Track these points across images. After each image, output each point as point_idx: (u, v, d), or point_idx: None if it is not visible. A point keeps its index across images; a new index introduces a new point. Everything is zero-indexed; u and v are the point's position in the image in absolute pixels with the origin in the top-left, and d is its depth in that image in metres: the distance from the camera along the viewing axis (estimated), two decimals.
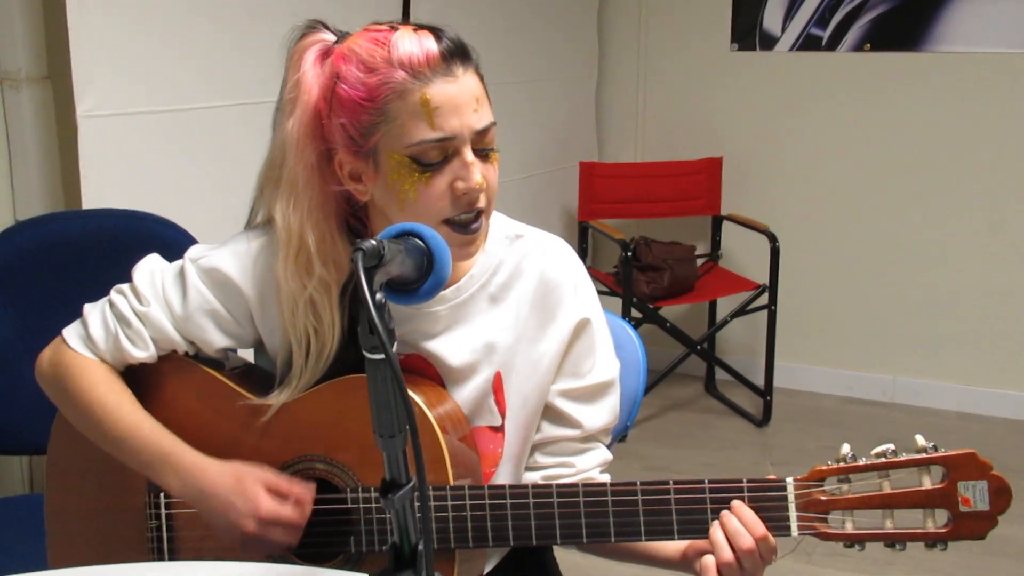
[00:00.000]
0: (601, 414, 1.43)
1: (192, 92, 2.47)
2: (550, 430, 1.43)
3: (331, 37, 1.31)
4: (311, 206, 1.31)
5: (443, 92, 1.23)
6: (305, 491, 1.31)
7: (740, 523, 1.23)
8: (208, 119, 2.52)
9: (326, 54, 1.29)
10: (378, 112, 1.25)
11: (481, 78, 1.30)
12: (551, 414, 1.43)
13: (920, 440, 1.20)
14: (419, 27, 1.27)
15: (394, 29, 1.27)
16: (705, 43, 4.24)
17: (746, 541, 1.22)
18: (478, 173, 1.26)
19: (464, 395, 1.39)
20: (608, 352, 1.44)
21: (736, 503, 1.25)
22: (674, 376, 4.06)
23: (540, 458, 1.44)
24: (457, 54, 1.25)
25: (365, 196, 1.32)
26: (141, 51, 2.33)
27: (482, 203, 1.28)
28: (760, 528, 1.23)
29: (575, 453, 1.43)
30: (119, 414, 1.36)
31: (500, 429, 1.41)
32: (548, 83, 4.05)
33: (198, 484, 1.31)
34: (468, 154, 1.25)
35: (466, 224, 1.28)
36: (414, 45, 1.24)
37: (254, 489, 1.29)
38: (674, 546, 1.35)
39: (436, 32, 1.26)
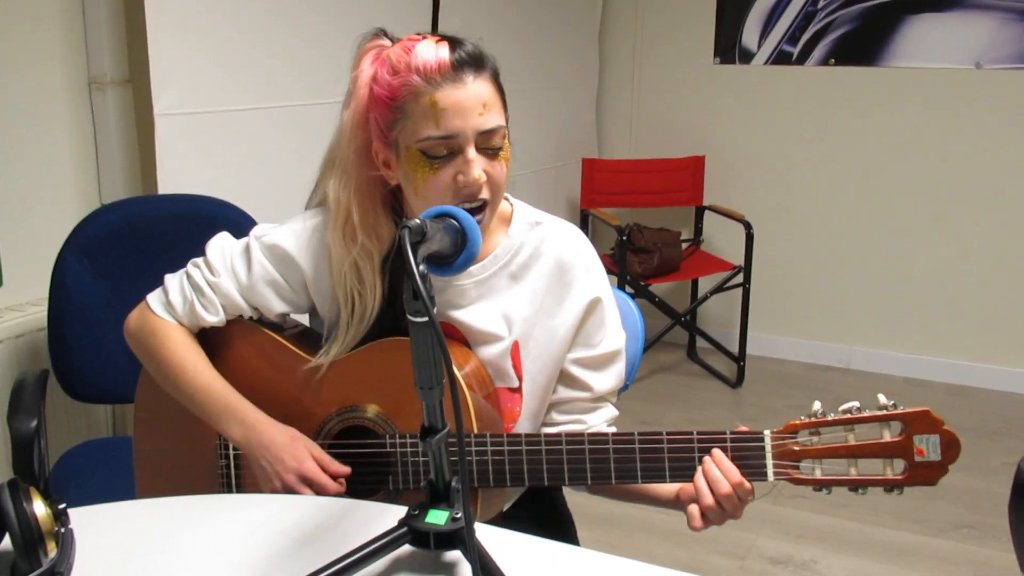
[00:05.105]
0: (608, 379, 1.42)
1: (250, 96, 2.47)
2: (564, 392, 1.42)
3: (387, 43, 1.29)
4: (357, 185, 1.31)
5: (450, 96, 1.22)
6: (344, 469, 1.31)
7: (719, 471, 1.21)
8: (263, 118, 2.51)
9: (378, 57, 1.28)
10: (398, 110, 1.24)
11: (498, 86, 1.27)
12: (565, 378, 1.41)
13: (882, 398, 1.18)
14: (442, 38, 1.25)
15: (424, 39, 1.25)
16: (691, 57, 4.21)
17: (724, 487, 1.20)
18: (477, 169, 1.23)
19: (484, 359, 1.38)
20: (616, 325, 1.42)
21: (716, 452, 1.22)
22: (661, 344, 4.06)
23: (556, 416, 1.43)
24: (468, 63, 1.23)
25: (394, 180, 1.31)
26: (208, 61, 2.32)
27: (484, 195, 1.26)
28: (736, 474, 1.21)
29: (586, 412, 1.42)
30: (193, 371, 1.36)
31: (517, 391, 1.39)
32: (556, 91, 4.02)
33: (258, 436, 1.31)
34: (470, 152, 1.23)
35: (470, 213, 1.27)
36: (430, 54, 1.22)
37: (304, 451, 1.30)
38: (668, 489, 1.33)
39: (454, 43, 1.24)
